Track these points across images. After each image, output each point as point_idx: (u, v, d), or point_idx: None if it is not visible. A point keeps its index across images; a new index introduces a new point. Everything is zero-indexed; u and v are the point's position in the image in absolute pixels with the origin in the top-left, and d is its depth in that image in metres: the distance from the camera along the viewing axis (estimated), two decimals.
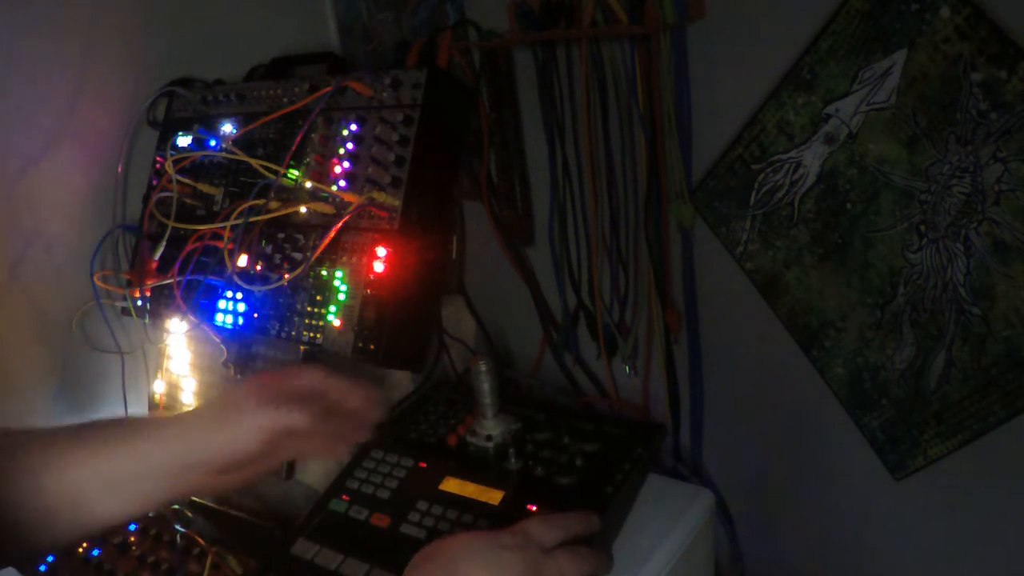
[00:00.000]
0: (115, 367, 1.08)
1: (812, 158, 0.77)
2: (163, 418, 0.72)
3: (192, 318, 0.98)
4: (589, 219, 0.95)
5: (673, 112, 0.82)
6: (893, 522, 0.85)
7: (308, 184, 0.93)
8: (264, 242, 0.96)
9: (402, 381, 1.05)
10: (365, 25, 1.11)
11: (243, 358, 0.98)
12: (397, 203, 0.88)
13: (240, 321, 0.96)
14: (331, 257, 0.91)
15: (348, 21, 1.13)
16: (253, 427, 0.69)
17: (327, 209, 0.92)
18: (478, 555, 0.63)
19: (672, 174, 0.85)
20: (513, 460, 0.83)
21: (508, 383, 1.10)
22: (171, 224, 0.99)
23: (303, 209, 0.92)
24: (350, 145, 0.93)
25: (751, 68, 0.78)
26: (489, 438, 0.86)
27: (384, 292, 0.88)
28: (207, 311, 0.98)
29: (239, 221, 0.93)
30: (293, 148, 0.94)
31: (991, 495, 0.76)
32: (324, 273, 0.92)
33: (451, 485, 0.83)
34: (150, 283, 1.02)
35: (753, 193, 0.82)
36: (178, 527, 0.94)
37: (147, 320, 1.05)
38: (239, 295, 0.96)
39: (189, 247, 0.97)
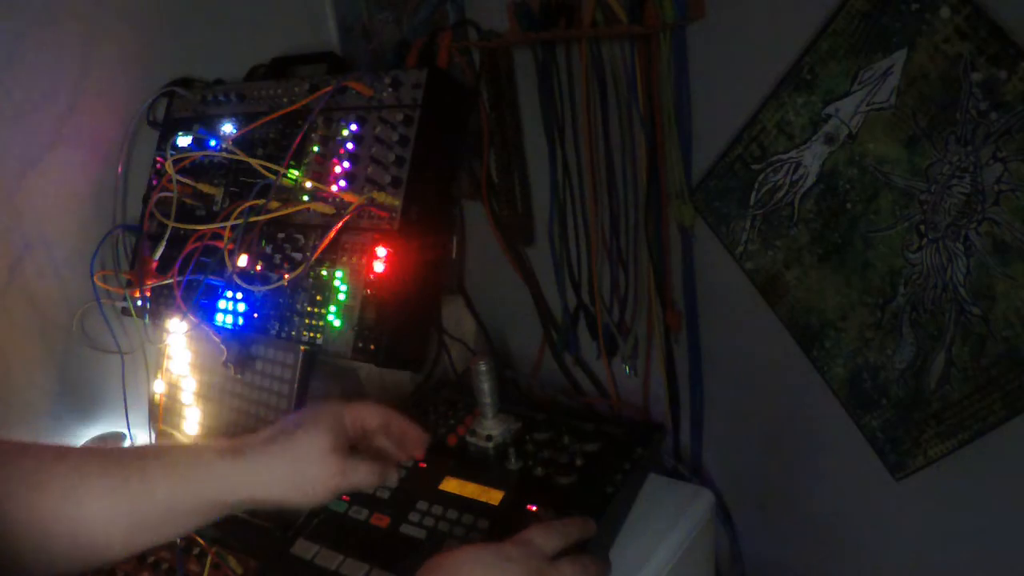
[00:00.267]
0: (115, 367, 1.08)
1: (812, 158, 0.77)
2: (209, 450, 0.68)
3: (192, 318, 0.98)
4: (589, 219, 0.95)
5: (673, 112, 0.82)
6: (893, 522, 0.85)
7: (308, 184, 0.94)
8: (264, 242, 0.96)
9: (402, 381, 1.05)
10: (365, 25, 1.11)
11: (243, 358, 0.98)
12: (397, 203, 0.88)
13: (240, 321, 0.97)
14: (331, 257, 0.91)
15: (348, 21, 1.13)
16: (319, 486, 0.68)
17: (327, 209, 0.92)
18: (484, 567, 0.63)
19: (672, 174, 0.85)
20: (513, 460, 0.83)
21: (508, 383, 1.10)
22: (171, 224, 0.99)
23: (304, 205, 0.92)
24: (350, 145, 0.93)
25: (751, 68, 0.78)
26: (489, 438, 0.87)
27: (384, 292, 0.88)
28: (207, 311, 0.98)
29: (239, 221, 0.93)
30: (293, 148, 0.94)
31: (991, 495, 0.76)
32: (324, 273, 0.92)
33: (451, 485, 0.83)
34: (150, 283, 1.02)
35: (753, 193, 0.82)
36: None
37: (147, 320, 1.05)
38: (239, 295, 0.96)
39: (189, 247, 0.97)
